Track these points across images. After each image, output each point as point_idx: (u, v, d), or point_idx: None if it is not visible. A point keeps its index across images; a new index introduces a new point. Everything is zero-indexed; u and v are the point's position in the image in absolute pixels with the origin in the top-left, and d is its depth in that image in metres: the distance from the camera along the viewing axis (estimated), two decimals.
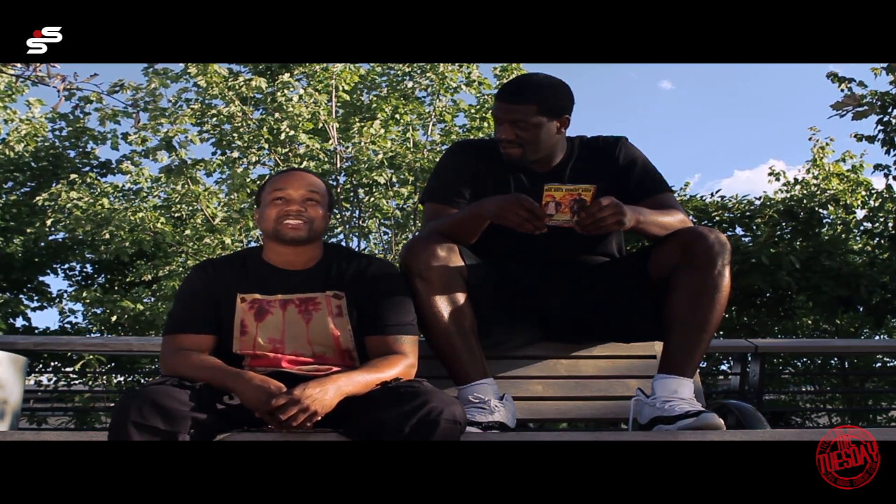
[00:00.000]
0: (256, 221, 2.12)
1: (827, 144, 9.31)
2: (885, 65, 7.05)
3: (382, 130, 9.41)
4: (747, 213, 7.75)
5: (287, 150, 9.43)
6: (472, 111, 10.06)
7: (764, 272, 6.99)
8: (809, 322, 8.22)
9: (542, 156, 2.28)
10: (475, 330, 2.13)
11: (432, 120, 10.04)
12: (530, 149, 2.24)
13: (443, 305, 2.09)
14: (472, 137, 8.98)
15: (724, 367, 7.23)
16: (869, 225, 8.28)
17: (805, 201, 8.05)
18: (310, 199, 2.02)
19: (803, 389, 8.03)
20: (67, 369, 7.68)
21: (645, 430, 2.05)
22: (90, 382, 7.83)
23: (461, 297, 2.11)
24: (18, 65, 5.07)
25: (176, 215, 10.03)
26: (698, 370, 2.29)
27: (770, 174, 9.54)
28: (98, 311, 9.25)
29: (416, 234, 9.17)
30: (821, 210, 8.04)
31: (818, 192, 8.47)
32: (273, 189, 2.03)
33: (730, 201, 8.08)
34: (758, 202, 8.02)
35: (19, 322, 10.25)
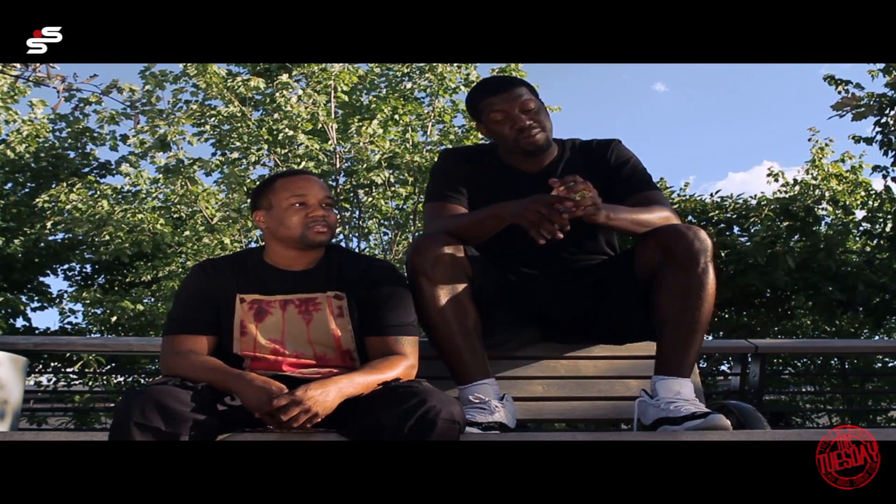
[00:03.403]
0: (261, 223, 2.10)
1: (826, 145, 9.31)
2: (881, 66, 7.06)
3: (381, 130, 9.41)
4: (744, 213, 7.74)
5: (286, 150, 9.43)
6: None
7: (761, 272, 6.99)
8: (809, 323, 8.23)
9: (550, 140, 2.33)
10: (478, 330, 2.13)
11: (431, 121, 10.04)
12: (547, 131, 2.30)
13: (447, 305, 2.09)
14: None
15: (724, 368, 7.23)
16: (868, 226, 8.28)
17: (801, 199, 8.05)
18: (327, 204, 2.05)
19: (803, 390, 8.03)
20: (68, 370, 7.67)
21: (649, 431, 2.05)
22: (90, 383, 7.83)
23: (466, 297, 2.11)
24: (18, 65, 5.07)
25: (175, 216, 10.03)
26: (698, 370, 2.28)
27: (769, 174, 9.54)
28: (98, 312, 9.24)
29: (418, 233, 9.18)
30: (817, 207, 8.03)
31: (815, 191, 8.46)
32: (292, 194, 2.03)
33: (726, 200, 8.08)
34: (754, 202, 8.02)
35: (19, 322, 10.25)
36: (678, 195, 8.69)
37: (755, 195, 8.26)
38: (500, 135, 2.30)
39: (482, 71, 10.25)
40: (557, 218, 1.95)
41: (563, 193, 1.95)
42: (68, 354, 8.09)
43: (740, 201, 8.01)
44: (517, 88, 2.28)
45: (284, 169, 8.92)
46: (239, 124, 9.35)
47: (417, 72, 10.02)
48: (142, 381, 7.87)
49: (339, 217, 2.12)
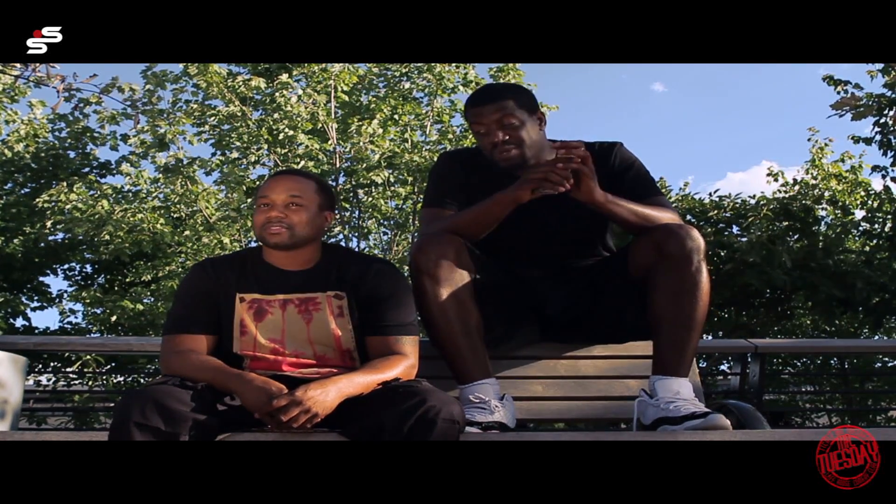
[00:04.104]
0: None
1: (826, 145, 9.31)
2: (880, 66, 7.07)
3: (381, 130, 9.42)
4: (743, 213, 7.74)
5: (286, 150, 9.44)
6: None
7: (759, 271, 6.99)
8: (809, 322, 8.23)
9: (534, 155, 2.25)
10: (480, 329, 2.13)
11: (430, 120, 10.05)
12: (525, 147, 2.23)
13: (450, 304, 2.09)
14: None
15: (724, 367, 7.24)
16: (867, 226, 8.28)
17: (800, 198, 8.05)
18: (292, 204, 2.00)
19: (803, 389, 8.04)
20: (67, 370, 7.67)
21: (649, 431, 2.05)
22: (89, 382, 7.83)
23: (468, 296, 2.11)
24: (18, 65, 5.07)
25: (175, 216, 10.04)
26: (698, 370, 2.28)
27: (769, 174, 9.54)
28: (98, 311, 9.25)
29: (417, 233, 9.18)
30: (816, 206, 8.03)
31: (814, 191, 8.46)
32: (260, 195, 2.04)
33: (725, 200, 8.08)
34: (753, 201, 8.03)
35: (19, 322, 10.26)
36: (676, 195, 8.70)
37: (754, 195, 8.28)
38: (481, 145, 2.30)
39: (480, 71, 10.27)
40: (558, 170, 1.99)
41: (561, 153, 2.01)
42: (67, 354, 8.10)
43: (739, 201, 8.01)
44: (499, 102, 2.22)
45: (283, 168, 8.92)
46: (239, 124, 9.35)
47: (416, 72, 10.03)
48: (142, 380, 7.87)
49: (326, 215, 2.09)
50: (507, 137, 2.22)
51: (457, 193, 2.30)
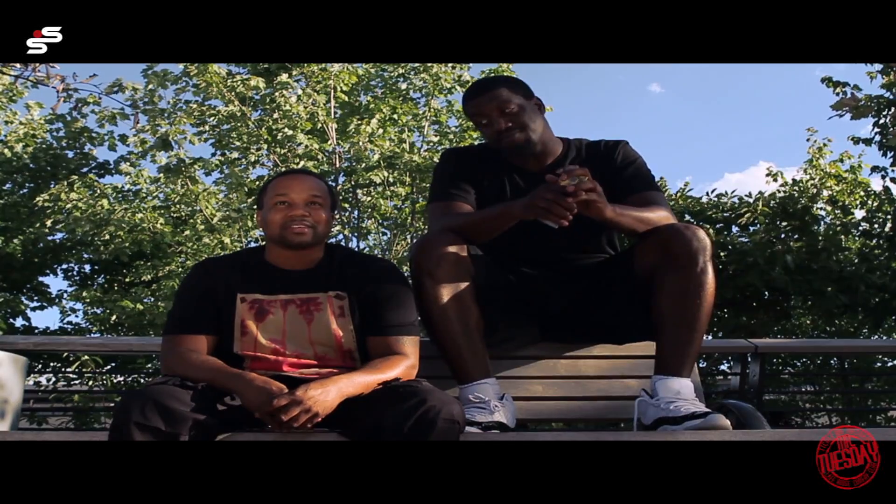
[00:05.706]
0: (259, 223, 2.12)
1: (825, 145, 9.30)
2: (879, 66, 7.07)
3: (380, 130, 9.42)
4: (740, 212, 7.71)
5: (286, 150, 9.43)
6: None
7: (761, 271, 6.98)
8: (808, 322, 8.22)
9: (539, 140, 2.29)
10: (481, 329, 2.14)
11: (428, 121, 10.05)
12: (529, 130, 2.27)
13: (450, 304, 2.09)
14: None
15: (724, 367, 7.23)
16: (867, 226, 8.27)
17: (797, 196, 8.03)
18: (313, 203, 2.02)
19: (803, 389, 8.03)
20: (67, 370, 7.67)
21: (649, 431, 2.05)
22: (89, 382, 7.83)
23: (469, 296, 2.11)
24: (18, 65, 5.07)
25: (175, 216, 10.03)
26: (698, 370, 2.29)
27: (768, 174, 9.53)
28: (98, 311, 9.25)
29: (417, 234, 9.18)
30: (813, 205, 8.01)
31: (812, 190, 8.45)
32: (276, 193, 2.03)
33: (723, 198, 8.07)
34: (751, 200, 8.01)
35: (19, 322, 10.25)
36: (675, 194, 8.69)
37: (750, 193, 8.25)
38: (486, 136, 2.33)
39: (474, 71, 10.27)
40: (565, 203, 1.96)
41: (563, 181, 1.97)
42: (66, 354, 8.10)
43: (736, 200, 8.00)
44: (495, 90, 2.26)
45: (284, 168, 8.92)
46: (238, 124, 9.35)
47: (413, 72, 10.03)
48: (142, 380, 7.87)
49: (333, 216, 2.09)
50: (511, 124, 2.25)
51: (465, 186, 2.31)
